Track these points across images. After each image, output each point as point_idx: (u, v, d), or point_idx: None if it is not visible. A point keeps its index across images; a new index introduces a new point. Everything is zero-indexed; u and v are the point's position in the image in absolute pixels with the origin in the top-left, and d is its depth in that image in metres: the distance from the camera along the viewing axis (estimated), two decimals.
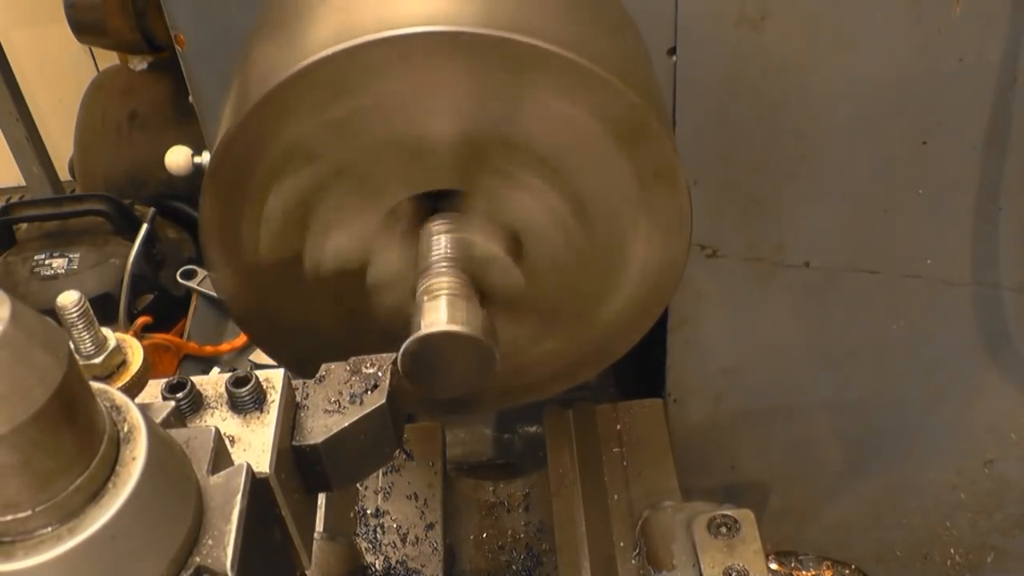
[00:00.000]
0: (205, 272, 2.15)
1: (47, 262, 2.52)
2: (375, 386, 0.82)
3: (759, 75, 1.36)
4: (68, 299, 0.73)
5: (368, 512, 1.52)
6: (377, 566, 1.46)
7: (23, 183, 3.51)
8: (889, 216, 1.51)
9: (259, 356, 1.96)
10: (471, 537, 1.58)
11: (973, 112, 1.40)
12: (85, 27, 2.64)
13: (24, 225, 2.70)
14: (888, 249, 1.55)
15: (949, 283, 1.58)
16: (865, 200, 1.49)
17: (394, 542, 1.49)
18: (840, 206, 1.50)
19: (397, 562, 1.46)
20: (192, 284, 2.19)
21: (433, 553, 1.47)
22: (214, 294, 2.00)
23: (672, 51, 1.33)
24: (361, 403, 0.81)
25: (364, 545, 1.48)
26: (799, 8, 1.30)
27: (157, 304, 2.47)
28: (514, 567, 1.54)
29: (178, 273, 2.22)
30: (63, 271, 2.50)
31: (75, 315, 0.74)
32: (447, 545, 1.49)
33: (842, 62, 1.35)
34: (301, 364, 1.18)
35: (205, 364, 2.09)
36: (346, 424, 0.80)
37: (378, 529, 1.50)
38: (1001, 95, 1.38)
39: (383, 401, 0.82)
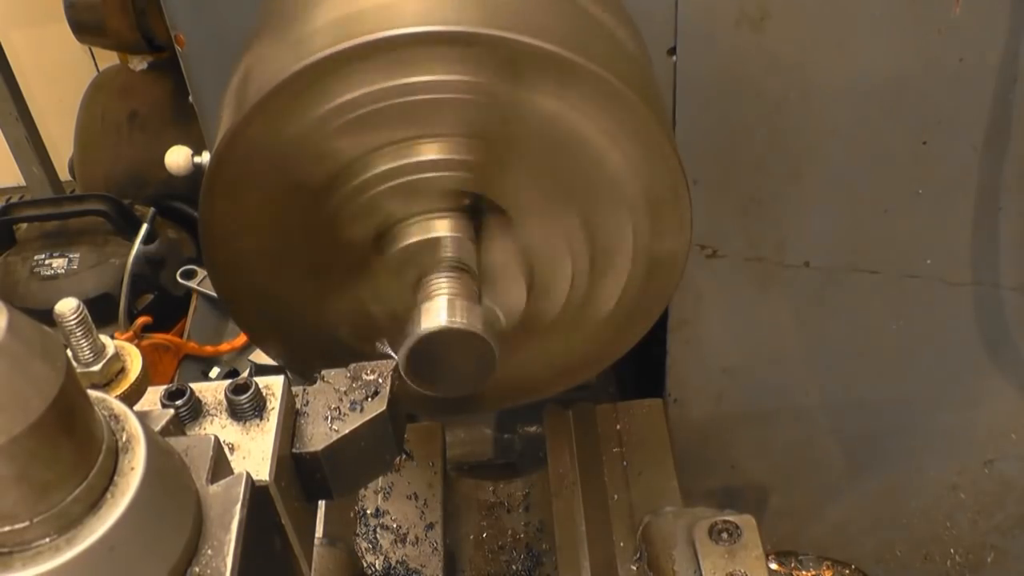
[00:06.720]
0: (205, 272, 2.15)
1: (47, 262, 2.52)
2: (376, 393, 0.82)
3: (759, 75, 1.36)
4: (66, 306, 0.73)
5: (368, 512, 1.52)
6: (377, 566, 1.46)
7: (23, 183, 3.51)
8: (889, 216, 1.51)
9: (259, 356, 1.96)
10: (471, 537, 1.58)
11: (973, 112, 1.40)
12: (85, 27, 2.64)
13: (24, 225, 2.69)
14: (888, 249, 1.55)
15: (949, 283, 1.57)
16: (865, 200, 1.49)
17: (394, 542, 1.49)
18: (840, 206, 1.50)
19: (397, 562, 1.46)
20: (192, 284, 2.19)
21: (433, 553, 1.47)
22: (214, 294, 2.00)
23: (672, 51, 1.33)
24: (361, 410, 0.81)
25: (364, 545, 1.48)
26: (799, 8, 1.30)
27: (157, 304, 2.47)
28: (514, 567, 1.54)
29: (178, 273, 2.22)
30: (63, 271, 2.50)
31: (73, 323, 0.74)
32: (447, 545, 1.49)
33: (842, 62, 1.35)
34: (302, 364, 1.18)
35: (205, 364, 2.09)
36: (346, 431, 0.80)
37: (378, 529, 1.50)
38: (1001, 95, 1.38)
39: (384, 408, 0.81)
